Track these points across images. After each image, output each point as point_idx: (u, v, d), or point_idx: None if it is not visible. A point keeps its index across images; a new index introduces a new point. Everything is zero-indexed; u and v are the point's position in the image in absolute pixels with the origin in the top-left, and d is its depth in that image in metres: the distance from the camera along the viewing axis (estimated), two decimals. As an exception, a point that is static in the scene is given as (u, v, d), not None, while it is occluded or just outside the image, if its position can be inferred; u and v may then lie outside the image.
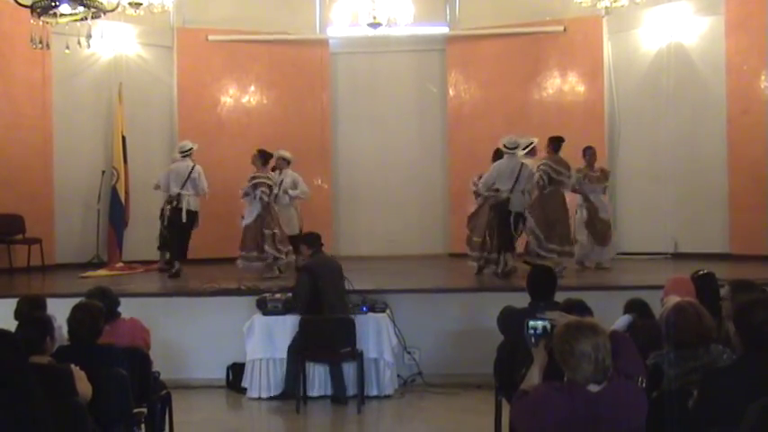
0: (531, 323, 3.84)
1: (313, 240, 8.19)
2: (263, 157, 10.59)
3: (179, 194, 10.72)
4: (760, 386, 3.48)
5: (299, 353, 7.84)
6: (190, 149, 10.97)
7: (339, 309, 7.95)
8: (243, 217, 10.52)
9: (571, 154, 10.70)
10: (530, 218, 10.07)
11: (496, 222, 10.01)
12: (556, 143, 10.28)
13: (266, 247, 10.22)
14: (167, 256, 11.36)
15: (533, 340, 3.82)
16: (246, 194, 10.34)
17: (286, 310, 8.16)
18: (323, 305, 7.89)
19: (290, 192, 11.21)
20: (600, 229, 10.99)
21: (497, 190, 9.98)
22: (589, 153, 11.12)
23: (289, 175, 11.33)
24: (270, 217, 10.38)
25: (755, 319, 3.77)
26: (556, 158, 10.22)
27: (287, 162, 11.43)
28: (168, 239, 11.21)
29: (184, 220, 10.74)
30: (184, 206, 10.72)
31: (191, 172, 10.77)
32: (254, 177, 10.35)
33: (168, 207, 10.89)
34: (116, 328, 5.61)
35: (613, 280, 9.63)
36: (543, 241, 9.98)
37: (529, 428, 3.45)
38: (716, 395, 3.66)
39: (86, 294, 5.77)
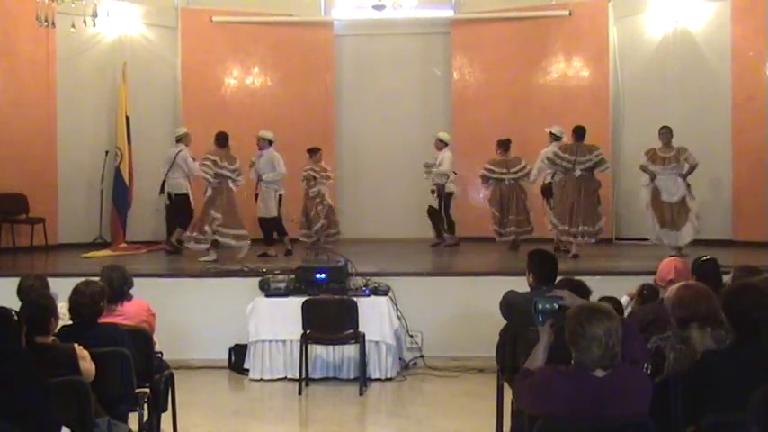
0: (540, 304, 3.83)
1: None
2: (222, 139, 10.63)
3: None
4: (752, 372, 3.47)
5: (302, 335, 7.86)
6: None
7: None
8: None
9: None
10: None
11: None
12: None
13: (206, 228, 10.30)
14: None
15: (540, 319, 3.82)
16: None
17: (288, 291, 8.18)
18: None
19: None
20: (665, 213, 10.39)
21: None
22: (662, 133, 10.54)
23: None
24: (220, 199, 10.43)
25: (743, 305, 3.69)
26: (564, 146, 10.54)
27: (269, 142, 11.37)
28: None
29: None
30: None
31: None
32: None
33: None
34: (122, 309, 5.62)
35: (614, 265, 9.63)
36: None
37: (533, 411, 3.46)
38: (706, 380, 3.63)
39: (100, 273, 5.81)
